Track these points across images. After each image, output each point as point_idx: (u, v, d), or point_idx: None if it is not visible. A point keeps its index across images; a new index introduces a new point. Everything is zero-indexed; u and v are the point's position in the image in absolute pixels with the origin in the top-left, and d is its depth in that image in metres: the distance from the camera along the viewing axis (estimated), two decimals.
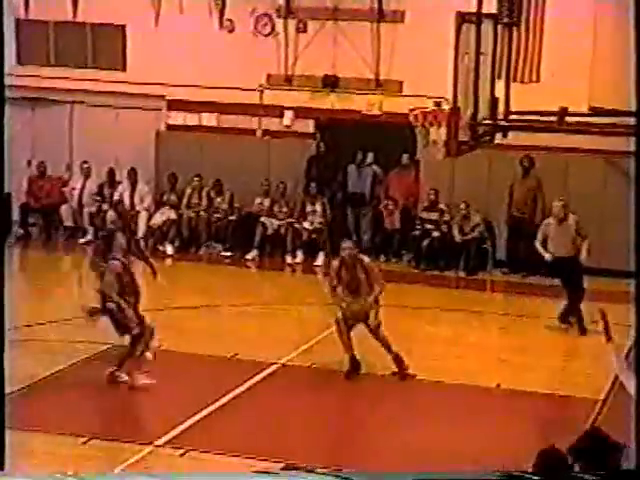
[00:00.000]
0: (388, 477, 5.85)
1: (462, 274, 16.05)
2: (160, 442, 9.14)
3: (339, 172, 17.23)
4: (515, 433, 9.55)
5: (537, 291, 15.07)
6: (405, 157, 16.85)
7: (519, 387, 10.98)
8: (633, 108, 13.45)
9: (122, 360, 10.62)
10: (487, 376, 11.32)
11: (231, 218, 17.29)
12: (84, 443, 9.06)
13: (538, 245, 13.06)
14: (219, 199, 17.38)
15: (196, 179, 17.34)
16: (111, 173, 17.76)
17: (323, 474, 3.26)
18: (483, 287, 15.92)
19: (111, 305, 10.49)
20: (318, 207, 17.02)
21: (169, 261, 16.77)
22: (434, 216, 16.52)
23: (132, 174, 17.52)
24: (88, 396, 10.39)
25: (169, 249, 17.06)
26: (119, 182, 17.75)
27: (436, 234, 16.41)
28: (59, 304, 13.65)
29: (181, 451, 8.97)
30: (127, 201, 17.49)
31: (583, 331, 12.70)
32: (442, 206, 16.53)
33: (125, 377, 10.56)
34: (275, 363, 11.42)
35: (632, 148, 15.78)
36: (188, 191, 17.47)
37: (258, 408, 10.26)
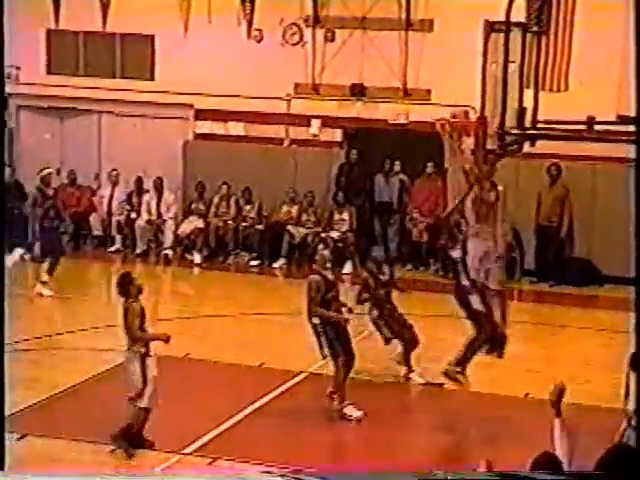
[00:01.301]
0: (388, 477, 5.83)
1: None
2: (188, 450, 9.16)
3: (367, 181, 17.24)
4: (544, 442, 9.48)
5: (565, 300, 15.00)
6: (430, 166, 16.83)
7: (545, 396, 10.91)
8: None
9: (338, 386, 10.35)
10: (516, 385, 11.27)
11: (259, 227, 17.33)
12: (111, 452, 9.08)
13: None
14: (248, 207, 17.43)
15: (224, 187, 17.39)
16: (139, 182, 17.85)
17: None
18: (511, 296, 15.84)
19: None
20: (346, 216, 17.03)
21: (197, 270, 16.82)
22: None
23: (158, 183, 17.61)
24: (114, 405, 10.42)
25: (197, 258, 17.11)
26: (147, 190, 17.84)
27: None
28: (88, 312, 13.72)
29: (209, 460, 8.99)
30: (154, 210, 17.58)
31: None
32: None
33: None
34: (303, 372, 11.42)
35: None
36: (216, 200, 17.53)
37: (286, 416, 10.27)
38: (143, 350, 9.07)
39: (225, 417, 9.95)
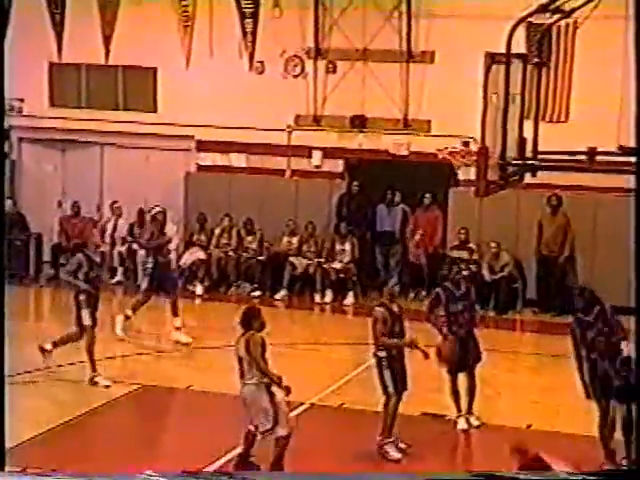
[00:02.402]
0: (389, 478, 5.81)
1: (492, 313, 15.97)
2: None
3: (369, 211, 17.29)
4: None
5: (567, 331, 14.95)
6: (428, 197, 16.89)
7: (550, 428, 10.89)
8: None
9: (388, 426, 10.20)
10: (518, 417, 11.24)
11: (260, 258, 17.35)
12: None
13: None
14: (250, 238, 17.45)
15: (226, 218, 17.43)
16: (141, 213, 17.88)
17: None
18: (513, 327, 15.85)
19: None
20: (347, 246, 17.06)
21: (198, 301, 16.81)
22: (464, 255, 16.50)
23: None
24: (111, 437, 10.39)
25: (198, 289, 17.11)
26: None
27: (465, 273, 16.37)
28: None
29: None
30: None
31: None
32: (472, 245, 16.52)
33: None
34: (304, 403, 11.39)
35: None
36: (217, 231, 17.55)
37: (288, 448, 10.22)
38: (266, 379, 9.09)
39: (228, 448, 9.91)
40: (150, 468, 8.82)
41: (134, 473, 7.73)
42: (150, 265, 14.15)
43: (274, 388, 9.11)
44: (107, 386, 11.83)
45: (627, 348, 9.61)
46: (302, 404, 11.36)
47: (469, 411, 11.05)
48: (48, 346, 12.39)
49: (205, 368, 12.85)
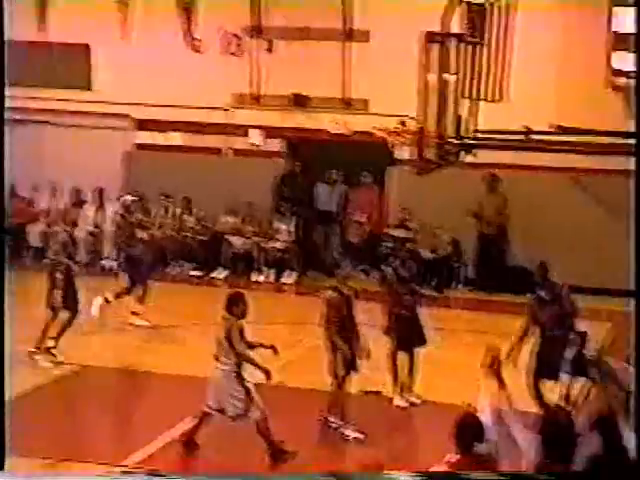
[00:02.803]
0: (387, 478, 5.88)
1: (430, 292, 16.05)
2: (129, 462, 9.08)
3: (309, 190, 17.29)
4: None
5: (506, 309, 15.13)
6: (366, 175, 16.93)
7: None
8: (597, 127, 13.64)
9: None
10: (457, 394, 11.33)
11: (199, 237, 17.27)
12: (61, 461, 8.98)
13: None
14: (188, 218, 17.36)
15: (164, 198, 17.30)
16: (77, 193, 17.69)
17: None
18: (451, 305, 15.98)
19: None
20: (288, 226, 17.05)
21: None
22: (403, 234, 16.58)
23: (99, 194, 17.47)
24: (54, 419, 10.30)
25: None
26: (85, 202, 17.69)
27: (406, 253, 16.46)
28: (27, 323, 13.53)
29: (148, 471, 8.92)
30: (92, 221, 17.44)
31: None
32: (411, 224, 16.60)
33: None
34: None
35: (595, 166, 16.04)
36: (156, 210, 17.42)
37: (230, 426, 10.22)
38: (235, 368, 9.13)
39: (168, 427, 9.88)
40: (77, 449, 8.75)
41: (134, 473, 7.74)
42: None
43: (246, 373, 9.15)
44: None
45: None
46: None
47: (409, 389, 11.13)
48: (51, 342, 12.09)
49: (145, 347, 12.79)
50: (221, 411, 9.27)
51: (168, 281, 16.57)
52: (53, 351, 11.93)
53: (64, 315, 12.08)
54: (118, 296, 13.59)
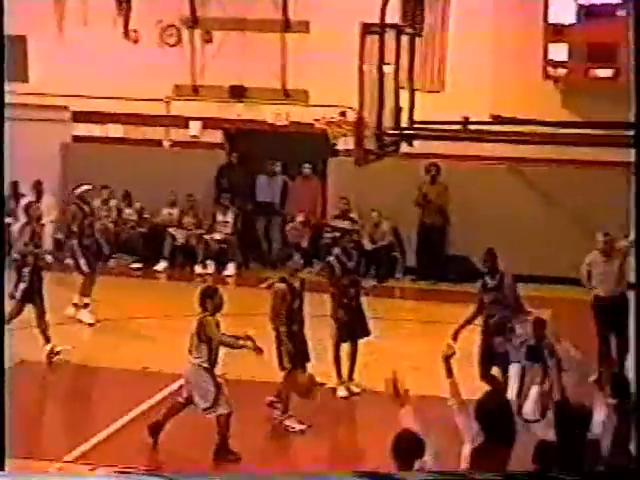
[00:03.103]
0: (383, 477, 5.89)
1: (372, 282, 16.14)
2: (69, 458, 9.02)
3: (249, 182, 17.26)
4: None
5: (447, 297, 15.27)
6: (306, 167, 16.95)
7: (429, 393, 11.10)
8: (534, 116, 13.77)
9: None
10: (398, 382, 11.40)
11: (140, 230, 17.17)
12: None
13: (583, 280, 11.63)
14: (128, 211, 17.24)
15: (104, 190, 17.17)
16: (14, 186, 17.47)
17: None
18: (393, 294, 16.07)
19: None
20: (229, 217, 17.02)
21: (76, 273, 16.51)
22: (345, 224, 16.62)
23: (37, 186, 17.27)
24: None
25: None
26: (23, 195, 17.47)
27: (350, 244, 16.52)
28: None
29: (90, 467, 8.88)
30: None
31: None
32: (353, 215, 16.65)
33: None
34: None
35: (533, 155, 16.20)
36: (96, 203, 17.26)
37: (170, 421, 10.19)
38: (206, 364, 9.20)
39: (109, 422, 9.84)
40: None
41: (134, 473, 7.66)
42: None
43: (216, 370, 9.22)
44: None
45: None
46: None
47: (350, 378, 11.18)
48: None
49: (84, 341, 12.70)
50: (192, 403, 9.36)
51: (107, 274, 16.46)
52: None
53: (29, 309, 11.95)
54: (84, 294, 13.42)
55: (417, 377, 11.67)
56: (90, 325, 13.39)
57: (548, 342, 9.64)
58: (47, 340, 11.84)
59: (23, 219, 12.86)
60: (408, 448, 6.13)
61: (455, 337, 10.42)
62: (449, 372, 7.16)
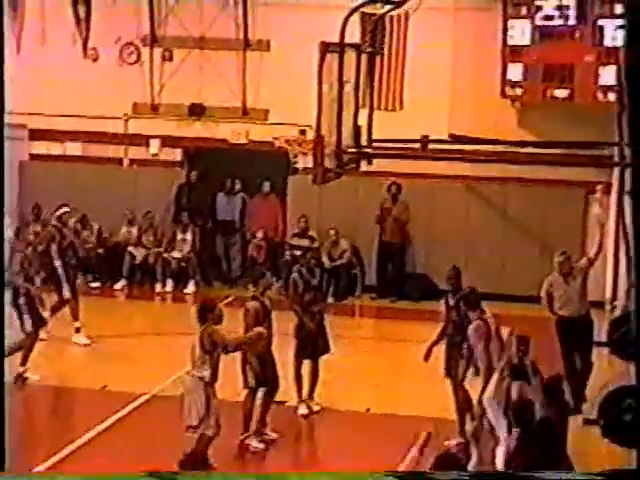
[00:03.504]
0: (377, 477, 5.87)
1: (331, 299, 16.15)
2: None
3: (209, 200, 17.24)
4: (378, 455, 9.65)
5: (406, 315, 15.32)
6: (266, 185, 16.95)
7: (390, 411, 11.13)
8: (490, 135, 13.91)
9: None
10: (358, 400, 11.43)
11: (99, 249, 17.06)
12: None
13: (544, 303, 11.51)
14: (86, 233, 17.11)
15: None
16: None
17: None
18: (352, 312, 16.10)
19: None
20: (188, 236, 16.97)
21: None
22: (304, 242, 16.64)
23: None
24: None
25: (36, 281, 16.67)
26: None
27: (312, 261, 16.52)
28: None
29: None
30: None
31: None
32: (312, 233, 16.67)
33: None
34: (145, 394, 11.30)
35: (491, 174, 16.32)
36: (54, 222, 17.14)
37: (129, 440, 10.13)
38: (208, 377, 8.92)
39: (67, 441, 9.75)
40: None
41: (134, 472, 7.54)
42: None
43: (214, 389, 9.05)
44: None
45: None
46: (142, 395, 11.25)
47: (310, 396, 11.18)
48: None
49: (40, 361, 12.57)
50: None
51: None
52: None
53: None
54: (53, 311, 13.24)
55: (377, 394, 11.75)
56: (85, 346, 13.20)
57: (531, 360, 9.66)
58: (24, 362, 11.70)
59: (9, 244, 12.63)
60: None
61: (427, 357, 10.43)
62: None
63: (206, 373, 8.98)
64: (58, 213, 13.80)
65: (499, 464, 7.88)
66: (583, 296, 11.16)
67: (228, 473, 8.16)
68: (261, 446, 10.04)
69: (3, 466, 3.03)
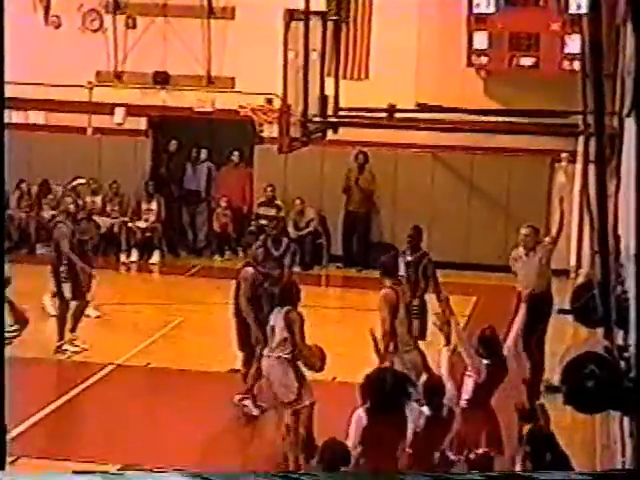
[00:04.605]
0: (381, 478, 5.87)
1: (297, 269, 16.11)
2: None
3: (176, 170, 17.13)
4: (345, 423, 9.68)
5: (373, 285, 15.32)
6: (235, 155, 16.86)
7: (353, 380, 11.14)
8: (457, 104, 13.87)
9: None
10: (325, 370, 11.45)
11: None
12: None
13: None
14: (50, 196, 16.98)
15: (23, 185, 16.92)
16: None
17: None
18: (319, 282, 16.09)
19: None
20: (154, 205, 16.86)
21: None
22: (271, 212, 16.59)
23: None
24: None
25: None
26: None
27: (274, 231, 16.47)
28: None
29: (12, 458, 8.73)
30: None
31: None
32: (279, 202, 16.62)
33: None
34: (111, 364, 11.26)
35: (456, 143, 16.29)
36: (17, 193, 17.00)
37: (94, 410, 10.10)
38: (291, 356, 8.99)
39: (32, 412, 9.69)
40: None
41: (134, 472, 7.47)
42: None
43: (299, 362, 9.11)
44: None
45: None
46: (107, 365, 11.21)
47: None
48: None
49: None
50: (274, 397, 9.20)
51: (34, 263, 16.23)
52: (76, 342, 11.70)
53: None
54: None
55: (342, 363, 11.76)
56: (97, 318, 13.02)
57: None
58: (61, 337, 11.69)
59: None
60: (333, 456, 6.27)
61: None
62: (447, 339, 7.66)
63: (289, 353, 9.04)
64: (74, 184, 13.49)
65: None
66: (542, 273, 10.81)
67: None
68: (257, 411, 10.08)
69: (3, 466, 3.00)
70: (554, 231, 11.29)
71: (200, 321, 13.03)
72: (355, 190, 16.39)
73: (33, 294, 14.19)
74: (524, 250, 10.97)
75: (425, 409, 7.20)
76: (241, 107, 16.11)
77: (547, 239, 11.21)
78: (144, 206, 16.86)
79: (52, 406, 10.00)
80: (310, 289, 15.25)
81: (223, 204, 16.81)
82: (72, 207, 12.61)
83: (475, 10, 15.13)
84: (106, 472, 2.98)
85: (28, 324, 8.33)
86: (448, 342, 7.85)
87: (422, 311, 10.76)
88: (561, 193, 15.34)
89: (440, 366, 7.84)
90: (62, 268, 11.76)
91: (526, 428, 7.08)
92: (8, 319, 9.32)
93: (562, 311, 10.29)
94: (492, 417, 7.90)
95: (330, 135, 13.49)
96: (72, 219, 12.48)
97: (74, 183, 13.50)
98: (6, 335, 8.90)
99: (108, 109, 17.03)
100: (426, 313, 10.69)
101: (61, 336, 11.70)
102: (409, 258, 10.76)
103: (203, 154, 17.07)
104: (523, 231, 10.99)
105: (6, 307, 9.91)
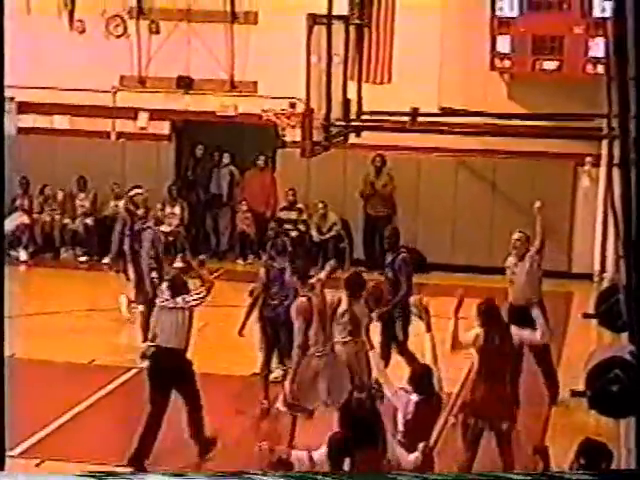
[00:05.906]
0: (386, 477, 5.87)
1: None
2: (15, 453, 8.92)
3: (203, 174, 17.21)
4: None
5: None
6: (261, 159, 16.91)
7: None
8: (480, 108, 13.85)
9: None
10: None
11: (87, 222, 17.03)
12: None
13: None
14: (82, 195, 17.12)
15: (48, 188, 17.05)
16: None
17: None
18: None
19: None
20: (177, 210, 16.92)
21: (23, 267, 16.38)
22: (293, 215, 16.63)
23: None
24: None
25: (22, 255, 16.67)
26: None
27: (294, 233, 16.52)
28: None
29: (37, 461, 8.79)
30: None
31: None
32: (300, 206, 16.65)
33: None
34: (134, 368, 11.30)
35: (480, 147, 16.27)
36: (41, 198, 17.13)
37: (117, 413, 10.14)
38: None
39: (56, 416, 9.76)
40: None
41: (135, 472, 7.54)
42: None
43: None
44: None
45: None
46: (131, 369, 11.26)
47: None
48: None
49: (27, 336, 12.55)
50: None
51: (59, 267, 16.37)
52: None
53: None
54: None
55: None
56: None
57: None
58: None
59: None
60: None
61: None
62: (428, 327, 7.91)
63: (354, 338, 9.26)
64: (131, 193, 13.31)
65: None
66: (528, 284, 10.44)
67: None
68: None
69: (3, 466, 3.02)
70: (537, 242, 10.67)
71: (223, 325, 13.05)
72: (372, 194, 16.38)
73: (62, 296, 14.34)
74: (514, 259, 10.67)
75: (414, 396, 7.29)
76: (264, 111, 16.14)
77: (532, 249, 10.67)
78: (167, 210, 16.92)
79: (76, 410, 10.05)
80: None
81: (244, 208, 16.85)
82: (128, 219, 12.65)
83: (498, 13, 15.11)
84: (107, 472, 3.01)
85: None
86: (429, 329, 7.86)
87: (405, 312, 10.69)
88: (585, 197, 15.31)
89: (424, 354, 7.85)
90: (154, 274, 11.76)
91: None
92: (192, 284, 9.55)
93: (586, 315, 10.24)
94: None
95: (352, 139, 13.52)
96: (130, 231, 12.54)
97: (131, 193, 13.31)
98: (194, 297, 9.23)
99: (132, 114, 17.13)
100: (409, 314, 10.60)
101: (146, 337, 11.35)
102: (389, 259, 10.86)
103: (226, 158, 17.12)
104: (515, 236, 10.71)
105: (193, 273, 10.16)
